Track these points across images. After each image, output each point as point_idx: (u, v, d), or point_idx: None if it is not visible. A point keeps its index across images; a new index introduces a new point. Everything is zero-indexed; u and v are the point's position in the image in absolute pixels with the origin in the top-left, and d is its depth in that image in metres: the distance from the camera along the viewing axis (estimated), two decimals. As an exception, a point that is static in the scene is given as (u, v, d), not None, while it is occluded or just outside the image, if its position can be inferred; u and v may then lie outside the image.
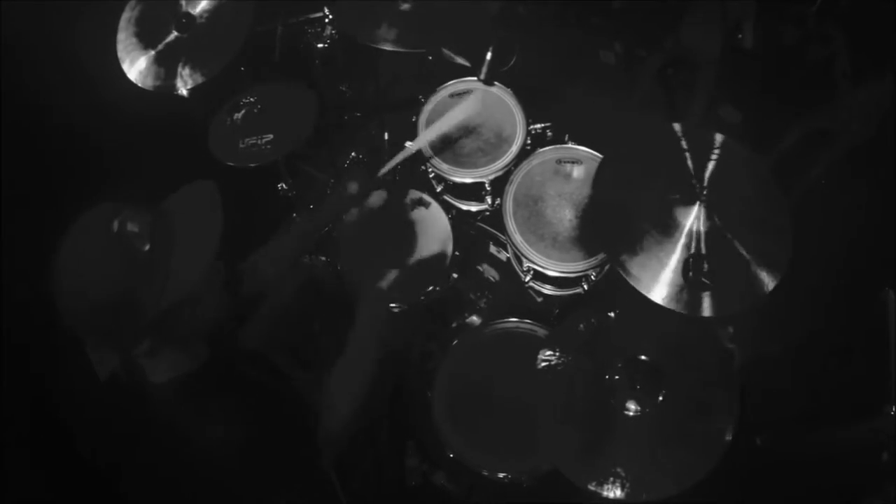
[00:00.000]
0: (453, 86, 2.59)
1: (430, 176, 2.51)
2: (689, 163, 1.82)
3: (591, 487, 1.62)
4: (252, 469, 1.44)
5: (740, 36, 2.92)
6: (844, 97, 2.76)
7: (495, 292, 2.60)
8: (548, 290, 2.40)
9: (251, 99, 2.25)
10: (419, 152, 2.45)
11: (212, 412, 1.37)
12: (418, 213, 2.42)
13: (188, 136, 2.41)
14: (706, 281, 1.67)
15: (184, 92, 2.19)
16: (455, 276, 2.35)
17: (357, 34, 2.18)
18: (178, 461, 1.44)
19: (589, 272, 2.25)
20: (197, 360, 1.37)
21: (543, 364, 1.80)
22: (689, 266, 1.69)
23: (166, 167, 2.42)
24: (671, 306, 1.67)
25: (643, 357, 1.77)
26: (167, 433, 1.40)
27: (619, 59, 3.46)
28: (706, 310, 1.67)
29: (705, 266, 1.68)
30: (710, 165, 1.81)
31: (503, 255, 2.61)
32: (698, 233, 1.73)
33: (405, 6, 2.21)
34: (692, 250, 1.71)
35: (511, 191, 2.37)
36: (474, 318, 2.54)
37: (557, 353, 1.81)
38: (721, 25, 2.91)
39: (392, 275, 1.99)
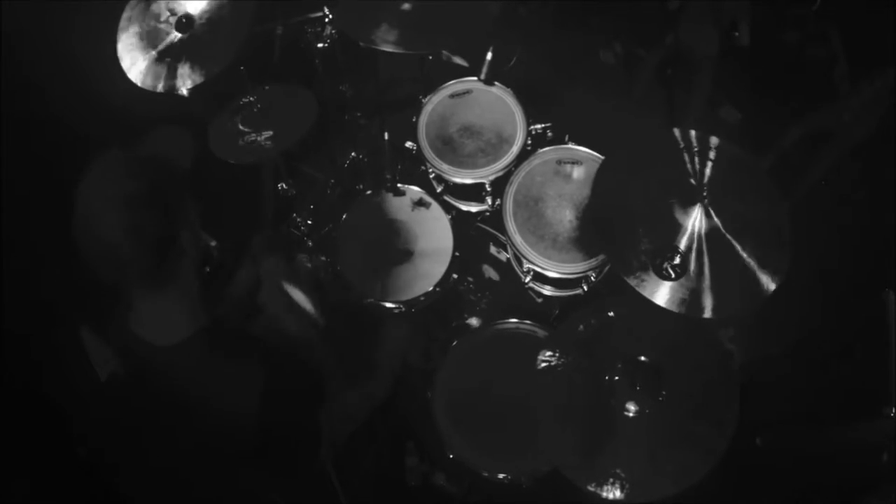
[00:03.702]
0: (453, 86, 2.59)
1: (431, 176, 2.51)
2: (690, 164, 1.82)
3: (591, 488, 1.62)
4: (259, 453, 1.42)
5: (737, 34, 2.92)
6: (846, 97, 2.76)
7: (495, 293, 2.60)
8: (548, 290, 2.40)
9: (250, 99, 2.24)
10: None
11: (221, 382, 1.37)
12: (418, 214, 2.42)
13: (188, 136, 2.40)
14: (672, 272, 1.67)
15: (184, 91, 2.19)
16: (455, 276, 2.35)
17: (357, 35, 2.17)
18: (180, 455, 1.43)
19: (589, 273, 2.25)
20: (197, 321, 1.39)
21: (543, 365, 1.80)
22: (659, 255, 1.68)
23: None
24: (671, 308, 1.67)
25: (643, 358, 1.76)
26: (171, 419, 1.39)
27: (619, 59, 3.46)
28: (706, 311, 1.67)
29: (676, 259, 1.68)
30: (710, 166, 1.81)
31: (503, 256, 2.61)
32: (699, 234, 1.73)
33: (406, 6, 2.21)
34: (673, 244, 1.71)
35: (511, 191, 2.37)
36: (474, 319, 2.54)
37: (557, 354, 1.81)
38: (717, 24, 2.91)
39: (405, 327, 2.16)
